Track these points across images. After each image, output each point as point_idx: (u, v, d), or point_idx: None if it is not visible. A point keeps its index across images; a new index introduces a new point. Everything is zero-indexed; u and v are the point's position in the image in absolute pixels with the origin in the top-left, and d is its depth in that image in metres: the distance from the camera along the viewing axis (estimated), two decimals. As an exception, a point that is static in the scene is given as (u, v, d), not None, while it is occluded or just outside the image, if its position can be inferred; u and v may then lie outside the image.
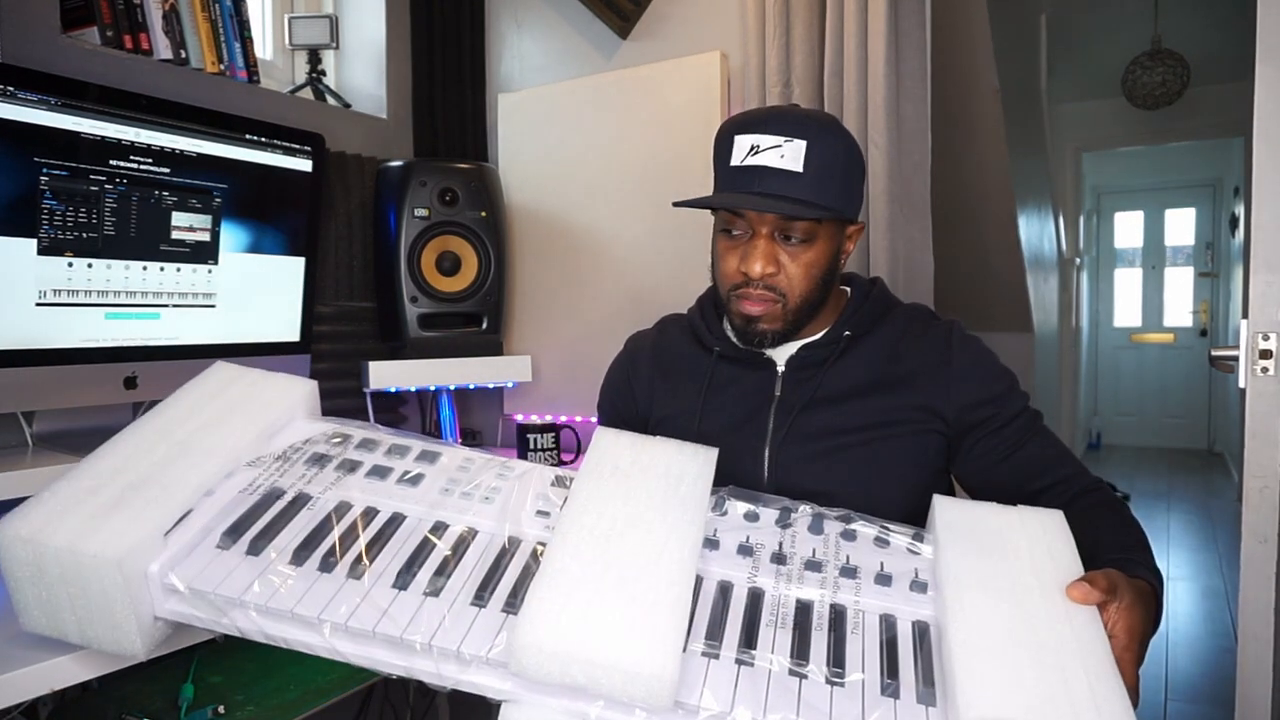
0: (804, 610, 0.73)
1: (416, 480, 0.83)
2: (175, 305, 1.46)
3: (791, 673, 0.67)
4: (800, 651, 0.69)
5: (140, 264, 1.40)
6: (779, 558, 0.78)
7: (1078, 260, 5.80)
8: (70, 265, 1.31)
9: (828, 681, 0.67)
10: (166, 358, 1.44)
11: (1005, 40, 2.84)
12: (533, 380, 2.07)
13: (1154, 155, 6.38)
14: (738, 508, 0.84)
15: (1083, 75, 4.99)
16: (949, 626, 0.70)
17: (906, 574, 0.77)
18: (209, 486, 0.78)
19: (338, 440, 0.87)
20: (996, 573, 0.75)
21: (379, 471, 0.83)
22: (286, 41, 1.97)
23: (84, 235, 1.32)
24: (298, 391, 0.91)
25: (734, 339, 1.14)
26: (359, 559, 0.73)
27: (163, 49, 1.60)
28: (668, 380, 1.17)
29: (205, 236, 1.49)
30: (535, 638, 0.64)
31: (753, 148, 1.02)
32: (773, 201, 0.99)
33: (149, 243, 1.41)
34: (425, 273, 1.86)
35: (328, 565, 0.72)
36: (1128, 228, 7.07)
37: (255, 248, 1.57)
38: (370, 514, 0.78)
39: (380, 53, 2.11)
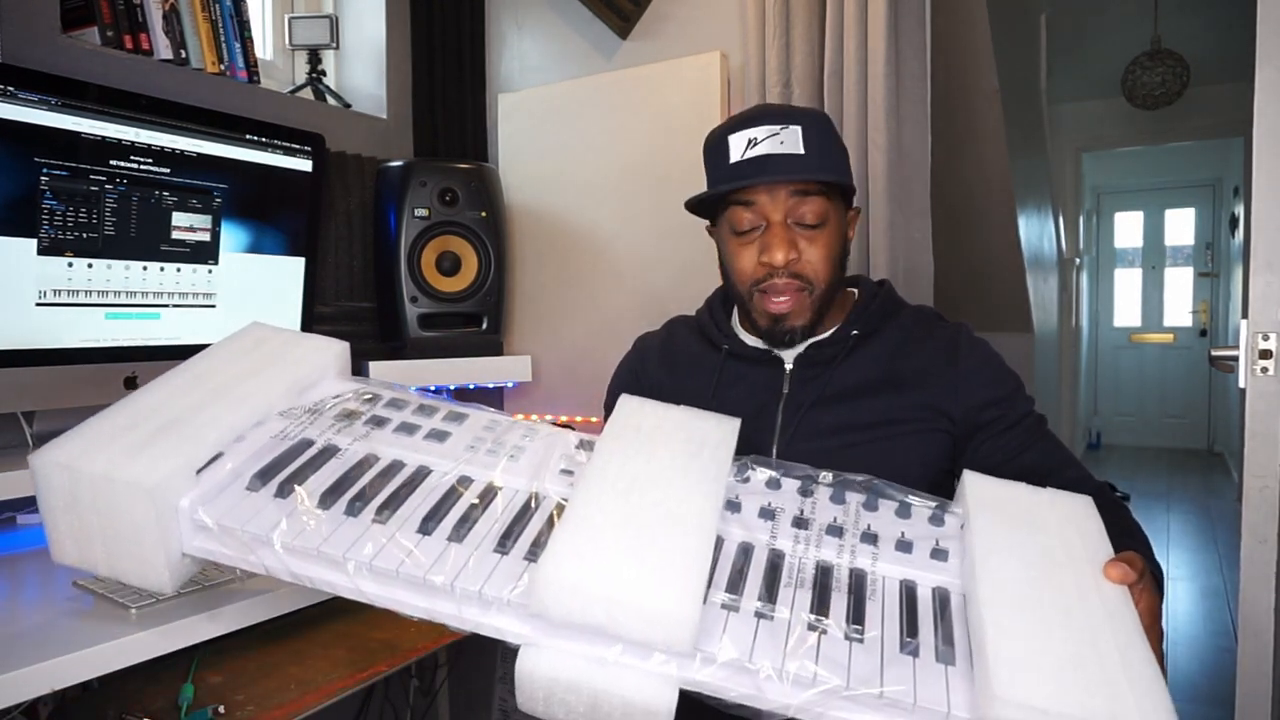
0: (824, 572, 0.73)
1: (443, 437, 0.83)
2: (175, 305, 1.46)
3: (810, 627, 0.67)
4: (820, 609, 0.69)
5: (140, 264, 1.40)
6: (800, 522, 0.78)
7: (1078, 260, 5.80)
8: (70, 265, 1.31)
9: (846, 638, 0.66)
10: (167, 358, 1.44)
11: (1005, 40, 2.84)
12: (533, 380, 2.07)
13: (1154, 155, 6.38)
14: (760, 474, 0.84)
15: (1083, 75, 5.00)
16: (978, 586, 0.69)
17: (928, 542, 0.77)
18: (240, 431, 0.78)
19: (368, 398, 0.89)
20: (1026, 543, 0.75)
21: (406, 428, 0.84)
22: (286, 41, 1.97)
23: (84, 235, 1.32)
24: (331, 351, 0.93)
25: (744, 339, 1.14)
26: (385, 505, 0.73)
27: (163, 49, 1.60)
28: (676, 379, 1.17)
29: (205, 236, 1.49)
30: (558, 574, 0.64)
31: (750, 141, 1.04)
32: (787, 175, 1.02)
33: (149, 243, 1.41)
34: (425, 273, 1.86)
35: (354, 509, 0.72)
36: (1128, 228, 7.08)
37: (255, 248, 1.57)
38: (396, 466, 0.79)
39: (380, 53, 2.11)
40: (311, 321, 1.70)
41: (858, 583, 0.73)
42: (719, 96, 1.81)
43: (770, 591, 0.70)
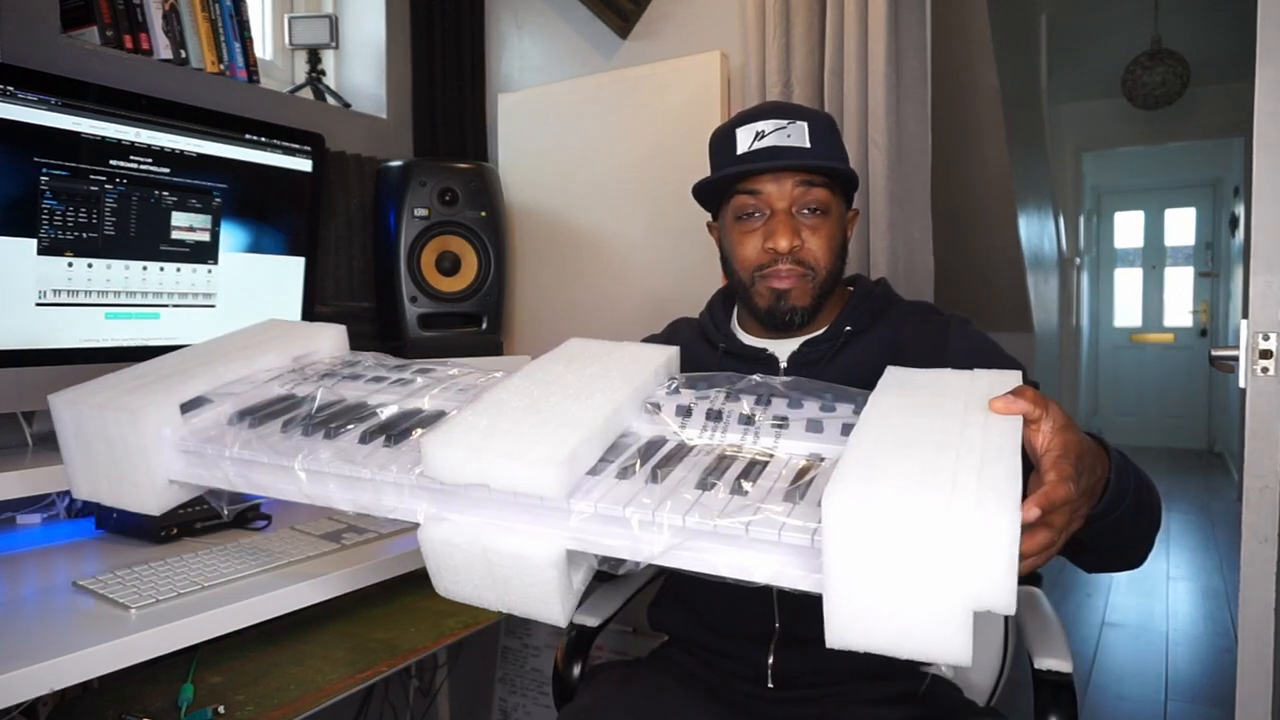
0: (722, 451, 0.75)
1: (407, 384, 0.92)
2: (175, 305, 1.46)
3: (699, 484, 0.69)
4: (714, 471, 0.70)
5: (140, 264, 1.40)
6: (714, 415, 0.80)
7: (1078, 260, 5.80)
8: (70, 265, 1.31)
9: (730, 492, 0.67)
10: (166, 358, 1.44)
11: (1005, 40, 2.84)
12: (533, 380, 2.07)
13: (1154, 155, 6.38)
14: (686, 384, 0.85)
15: (1083, 75, 5.00)
16: (856, 430, 0.67)
17: (836, 421, 0.76)
18: (224, 382, 0.90)
19: (351, 362, 0.99)
20: (919, 397, 0.72)
21: (376, 380, 0.93)
22: (286, 41, 1.97)
23: (84, 235, 1.32)
24: (328, 332, 1.05)
25: (741, 338, 1.15)
26: (337, 427, 0.82)
27: (163, 49, 1.60)
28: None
29: (205, 236, 1.49)
30: (445, 438, 0.70)
31: (758, 134, 1.07)
32: (798, 161, 1.04)
33: (149, 243, 1.41)
34: (425, 273, 1.86)
35: (308, 430, 0.82)
36: (1128, 228, 7.08)
37: (255, 248, 1.57)
38: (361, 406, 0.88)
39: (380, 53, 2.11)
40: (312, 321, 1.70)
41: (751, 458, 0.74)
42: (719, 96, 1.81)
43: (666, 465, 0.72)
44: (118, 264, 1.37)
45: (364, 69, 2.14)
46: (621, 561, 0.68)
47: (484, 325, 1.94)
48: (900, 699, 1.05)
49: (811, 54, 1.71)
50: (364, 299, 1.95)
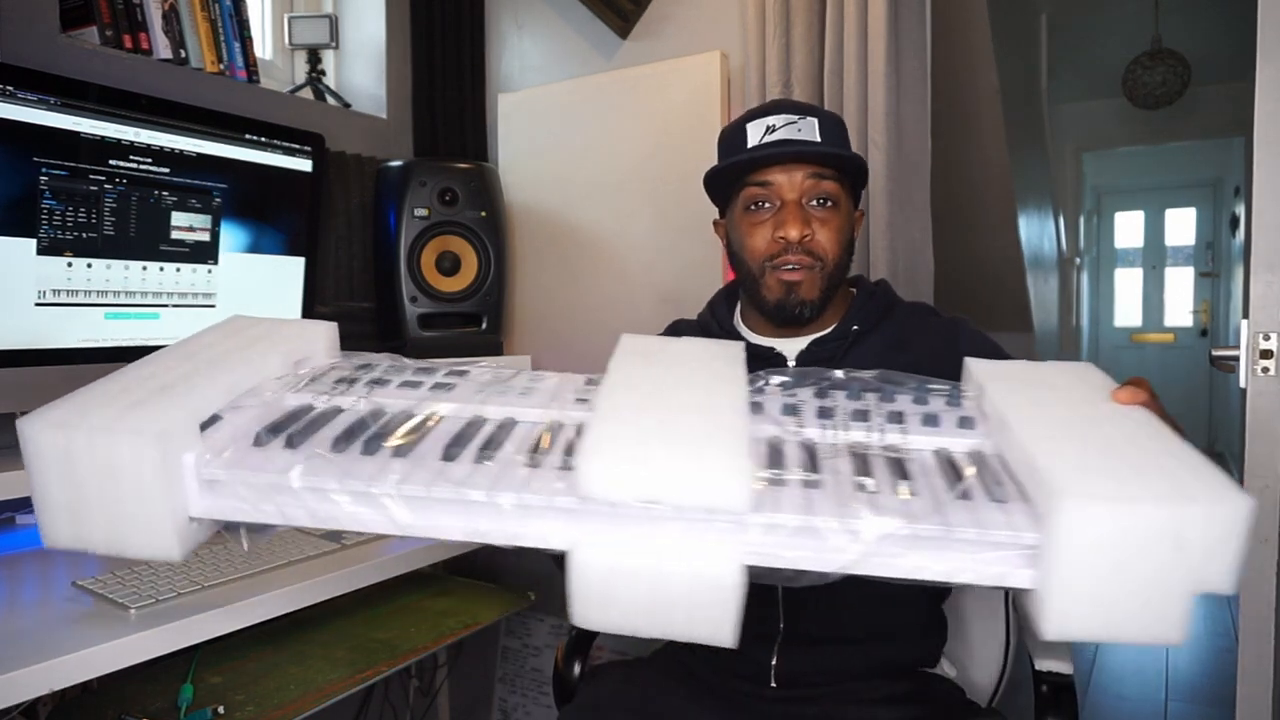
0: (859, 447, 0.74)
1: (449, 388, 0.82)
2: (175, 305, 1.46)
3: (859, 488, 0.66)
4: (864, 472, 0.68)
5: (140, 264, 1.40)
6: (825, 412, 0.78)
7: (1078, 260, 5.80)
8: (70, 265, 1.31)
9: (896, 492, 0.66)
10: (166, 358, 1.44)
11: (1005, 40, 2.84)
12: (533, 380, 2.07)
13: (1154, 155, 6.38)
14: (774, 381, 0.84)
15: (1083, 75, 4.99)
16: (1012, 429, 0.70)
17: (952, 415, 0.78)
18: (236, 396, 0.77)
19: (363, 366, 0.88)
20: (1045, 395, 0.77)
21: (410, 384, 0.82)
22: (286, 41, 1.97)
23: (84, 235, 1.32)
24: (319, 329, 0.92)
25: (748, 336, 1.15)
26: (402, 442, 0.71)
27: (162, 49, 1.60)
28: None
29: (205, 236, 1.49)
30: (603, 454, 0.63)
31: (769, 128, 1.08)
32: (811, 149, 1.05)
33: (149, 243, 1.41)
34: (425, 273, 1.86)
35: (370, 449, 0.70)
36: (1128, 228, 7.08)
37: (255, 248, 1.57)
38: (407, 414, 0.77)
39: (380, 53, 2.11)
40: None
41: (894, 451, 0.73)
42: (719, 96, 1.81)
43: (812, 464, 0.69)
44: (117, 264, 1.37)
45: (364, 69, 2.14)
46: (802, 574, 0.65)
47: (484, 325, 1.94)
48: (902, 698, 1.05)
49: (811, 54, 1.71)
50: (364, 299, 1.95)
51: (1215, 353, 1.32)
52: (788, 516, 0.63)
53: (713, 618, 0.64)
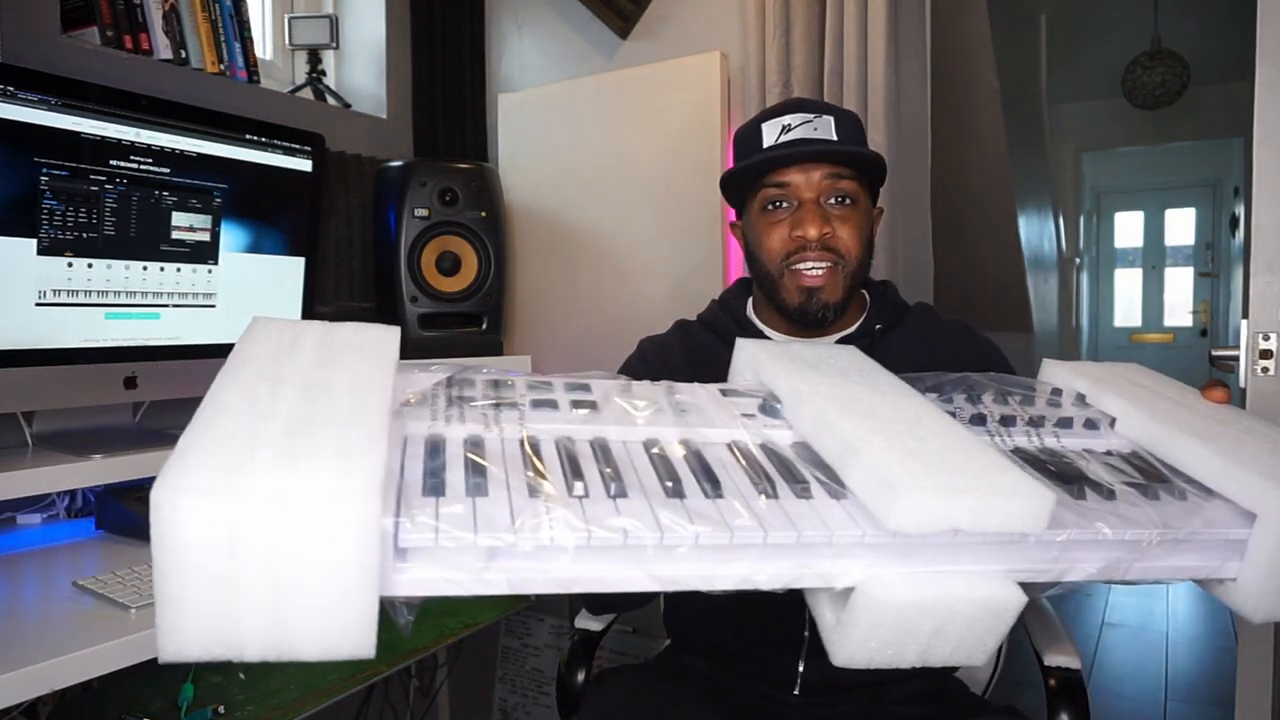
0: (1030, 454, 0.75)
1: (591, 405, 0.71)
2: (175, 305, 1.46)
3: (1105, 496, 0.68)
4: (1075, 479, 0.70)
5: (140, 264, 1.40)
6: (978, 418, 0.80)
7: (1078, 260, 5.80)
8: (70, 265, 1.31)
9: (1107, 498, 0.68)
10: (166, 358, 1.44)
11: (1005, 40, 2.84)
12: (533, 380, 2.07)
13: (1154, 155, 6.38)
14: (928, 382, 0.84)
15: (1083, 75, 5.00)
16: (1168, 431, 0.75)
17: (1069, 418, 0.81)
18: (375, 433, 0.56)
19: (467, 384, 0.74)
20: (1150, 397, 0.82)
21: (544, 404, 0.70)
22: (286, 41, 1.97)
23: (84, 235, 1.32)
24: (393, 337, 0.74)
25: (764, 331, 1.13)
26: (607, 482, 0.60)
27: (163, 49, 1.60)
28: (700, 377, 1.17)
29: (205, 236, 1.49)
30: (913, 481, 0.58)
31: (785, 127, 1.06)
32: (828, 147, 1.04)
33: (149, 243, 1.41)
34: (425, 273, 1.86)
35: (577, 491, 0.58)
36: (1128, 228, 7.08)
37: (255, 248, 1.57)
38: (569, 442, 0.66)
39: (380, 53, 2.11)
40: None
41: (1063, 457, 0.75)
42: (719, 96, 1.81)
43: (1042, 473, 0.70)
44: (118, 264, 1.37)
45: (364, 69, 2.14)
46: (1051, 585, 0.69)
47: (484, 325, 1.94)
48: (920, 697, 1.05)
49: (811, 54, 1.71)
50: (364, 299, 1.95)
51: (1215, 353, 1.32)
52: (1064, 532, 0.63)
53: (981, 641, 0.62)
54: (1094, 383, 0.85)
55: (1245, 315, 1.26)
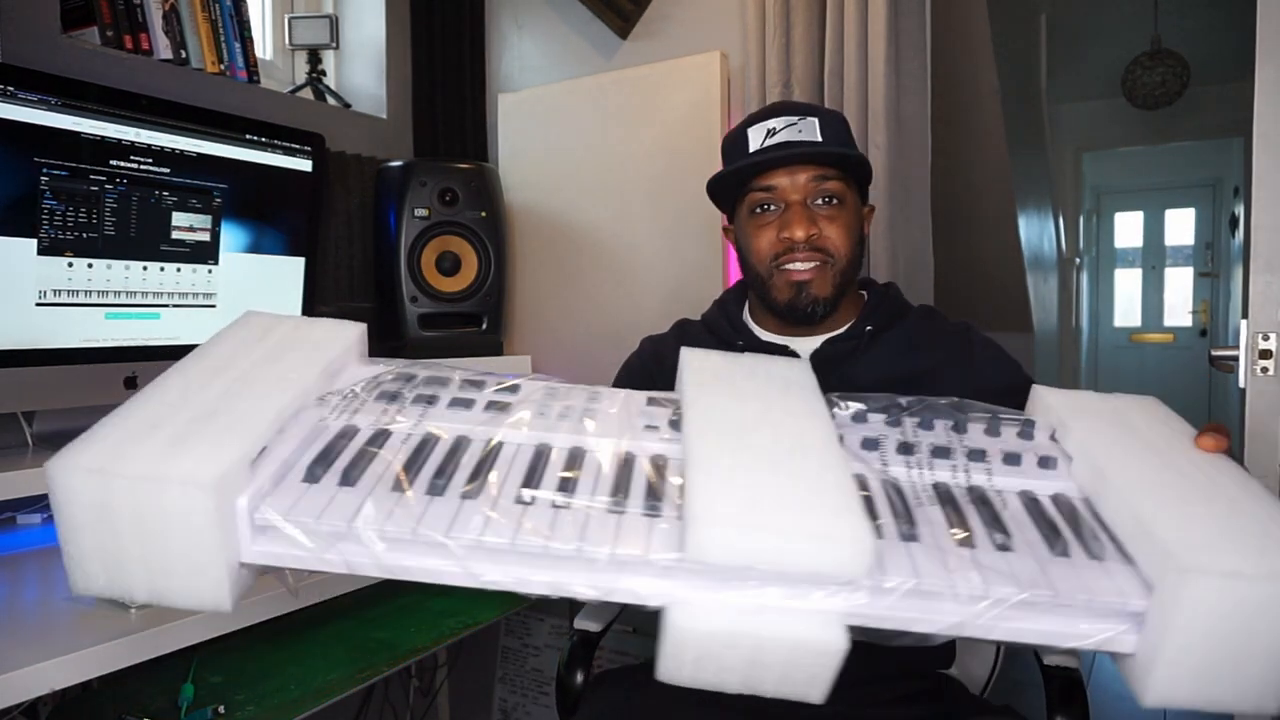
0: (946, 490, 0.71)
1: (504, 408, 0.76)
2: (175, 305, 1.46)
3: (960, 543, 0.64)
4: (959, 523, 0.66)
5: (140, 264, 1.40)
6: (905, 447, 0.76)
7: (1078, 260, 5.80)
8: (70, 265, 1.31)
9: (997, 547, 0.64)
10: (166, 358, 1.43)
11: (1005, 40, 2.84)
12: (533, 380, 2.07)
13: (1154, 155, 6.38)
14: (845, 409, 0.81)
15: (1083, 75, 5.00)
16: (1111, 480, 0.69)
17: (1031, 453, 0.76)
18: (281, 421, 0.69)
19: (405, 377, 0.81)
20: (1129, 439, 0.75)
21: (461, 403, 0.76)
22: (286, 41, 1.97)
23: (84, 235, 1.32)
24: (353, 331, 0.84)
25: (759, 333, 1.14)
26: (469, 481, 0.66)
27: (163, 49, 1.60)
28: None
29: (205, 236, 1.49)
30: (716, 516, 0.59)
31: (769, 131, 1.07)
32: (810, 150, 1.05)
33: (149, 243, 1.41)
34: (425, 273, 1.86)
35: (436, 489, 0.64)
36: (1128, 228, 7.07)
37: (255, 248, 1.57)
38: (464, 442, 0.72)
39: (380, 53, 2.11)
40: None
41: (981, 497, 0.70)
42: (719, 96, 1.81)
43: (907, 514, 0.67)
44: (118, 264, 1.37)
45: (364, 69, 2.14)
46: (902, 634, 0.62)
47: (484, 325, 1.94)
48: (915, 697, 1.05)
49: (811, 54, 1.71)
50: (364, 299, 1.95)
51: (1215, 353, 1.32)
52: (898, 580, 0.60)
53: (808, 678, 0.62)
54: (1073, 416, 0.79)
55: (1245, 315, 1.26)
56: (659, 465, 0.70)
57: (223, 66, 1.70)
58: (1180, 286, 6.87)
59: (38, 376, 1.28)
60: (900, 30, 1.65)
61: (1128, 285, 7.08)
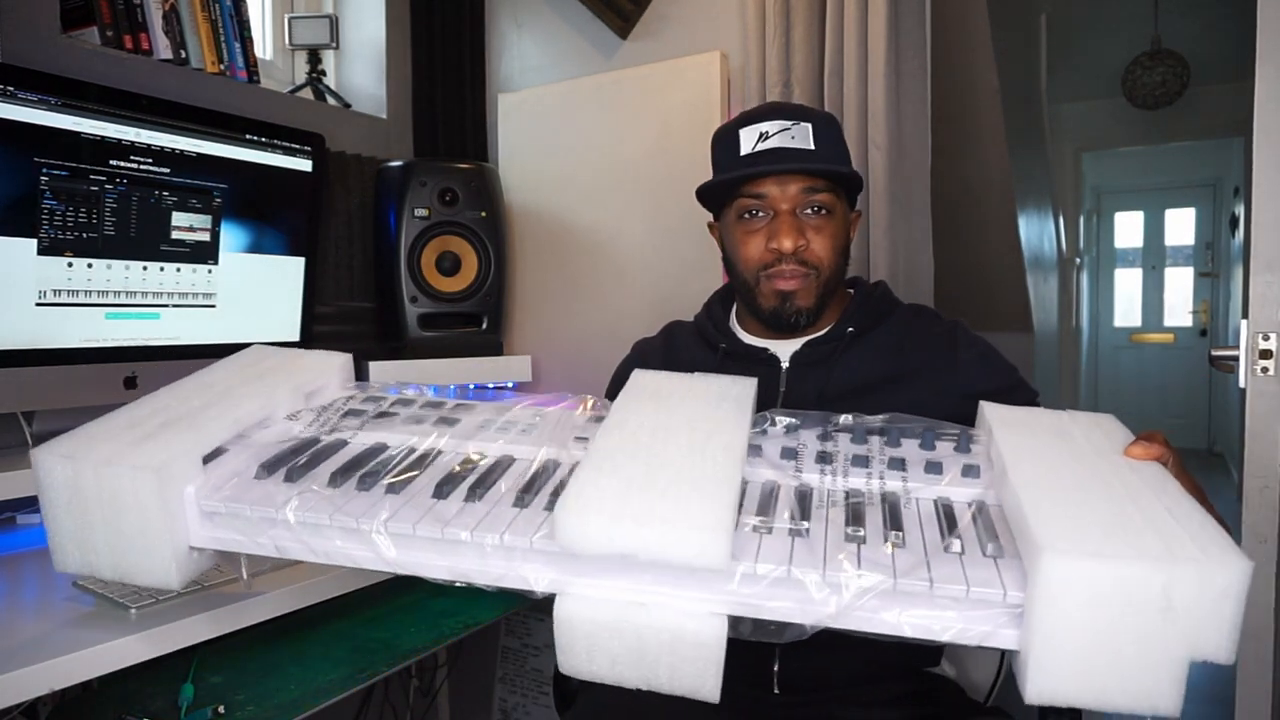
0: (855, 495, 0.72)
1: (453, 422, 0.84)
2: (175, 305, 1.46)
3: (849, 539, 0.65)
4: (855, 522, 0.67)
5: (140, 264, 1.40)
6: (824, 456, 0.78)
7: (1078, 260, 5.80)
8: (70, 265, 1.31)
9: (887, 542, 0.65)
10: (166, 358, 1.44)
11: (1005, 40, 2.84)
12: (533, 380, 2.07)
13: (1154, 155, 6.37)
14: (779, 425, 0.83)
15: (1083, 75, 4.99)
16: (1009, 478, 0.68)
17: (957, 463, 0.76)
18: (244, 429, 0.80)
19: (374, 398, 0.91)
20: (1053, 444, 0.75)
21: (415, 419, 0.85)
22: (286, 41, 1.97)
23: (84, 235, 1.32)
24: (334, 361, 0.95)
25: (742, 337, 1.15)
26: (396, 479, 0.74)
27: (163, 49, 1.60)
28: None
29: (205, 236, 1.49)
30: (580, 505, 0.63)
31: (762, 134, 1.07)
32: (800, 165, 1.04)
33: (149, 243, 1.41)
34: (425, 273, 1.86)
35: (365, 484, 0.73)
36: (1128, 228, 7.07)
37: (255, 248, 1.57)
38: (408, 450, 0.80)
39: (380, 53, 2.11)
40: (312, 321, 1.70)
41: (891, 500, 0.71)
42: (719, 96, 1.81)
43: (803, 513, 0.69)
44: (118, 264, 1.37)
45: (364, 69, 2.14)
46: (785, 626, 0.63)
47: (484, 325, 1.94)
48: (904, 699, 1.05)
49: (811, 54, 1.71)
50: (364, 299, 1.95)
51: (1215, 353, 1.32)
52: (768, 566, 0.62)
53: (695, 672, 0.63)
54: (1001, 426, 0.78)
55: (1245, 315, 1.26)
56: (574, 470, 0.74)
57: (223, 66, 1.70)
58: (1180, 286, 6.86)
59: (38, 376, 1.28)
60: (900, 30, 1.65)
61: (1128, 285, 7.08)
